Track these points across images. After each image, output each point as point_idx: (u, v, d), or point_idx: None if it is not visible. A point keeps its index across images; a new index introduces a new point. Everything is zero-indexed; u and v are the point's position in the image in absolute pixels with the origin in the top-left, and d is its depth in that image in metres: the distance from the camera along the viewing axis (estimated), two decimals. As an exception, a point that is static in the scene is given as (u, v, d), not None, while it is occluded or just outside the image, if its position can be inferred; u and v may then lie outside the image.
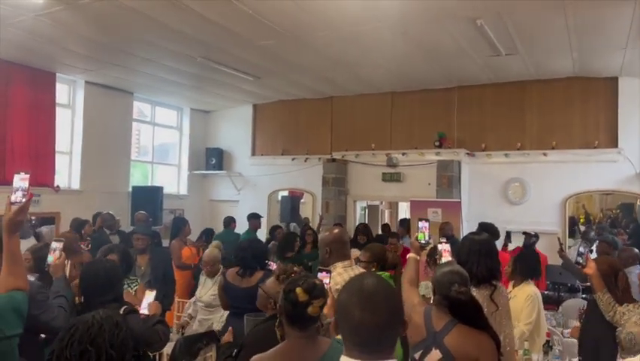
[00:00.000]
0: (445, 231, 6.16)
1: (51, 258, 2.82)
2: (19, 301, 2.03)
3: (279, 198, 10.10)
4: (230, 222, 8.02)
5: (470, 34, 5.75)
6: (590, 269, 2.98)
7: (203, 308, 4.66)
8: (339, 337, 2.26)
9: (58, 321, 2.41)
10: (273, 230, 7.87)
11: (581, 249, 2.88)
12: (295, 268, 2.71)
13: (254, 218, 8.03)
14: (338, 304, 1.45)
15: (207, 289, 4.68)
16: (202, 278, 4.87)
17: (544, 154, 7.78)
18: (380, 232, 8.16)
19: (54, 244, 2.84)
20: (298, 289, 1.96)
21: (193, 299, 4.91)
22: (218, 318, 4.47)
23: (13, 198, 2.06)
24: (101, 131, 8.37)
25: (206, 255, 4.93)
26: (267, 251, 4.64)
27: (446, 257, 3.00)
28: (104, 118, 8.44)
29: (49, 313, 2.39)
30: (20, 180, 2.09)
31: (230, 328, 2.87)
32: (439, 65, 7.18)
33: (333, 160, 8.95)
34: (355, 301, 1.37)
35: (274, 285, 2.60)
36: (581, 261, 2.77)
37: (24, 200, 2.05)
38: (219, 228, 8.15)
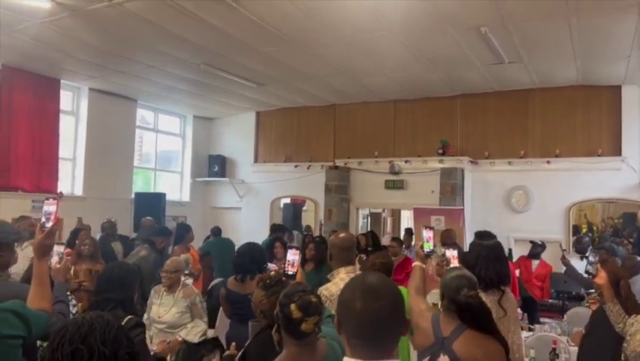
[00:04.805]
0: (447, 239, 5.77)
1: (53, 262, 2.80)
2: (26, 308, 2.01)
3: (282, 205, 10.09)
4: (218, 232, 7.76)
5: (474, 42, 5.77)
6: (601, 279, 2.92)
7: (163, 330, 4.02)
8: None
9: (55, 328, 2.36)
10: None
11: (592, 258, 2.85)
12: (272, 273, 2.64)
13: (279, 230, 7.48)
14: (340, 301, 1.45)
15: (168, 306, 4.04)
16: (155, 294, 4.17)
17: (548, 162, 7.77)
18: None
19: (57, 248, 2.82)
20: (292, 306, 1.94)
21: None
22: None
23: (42, 223, 2.17)
24: (105, 138, 8.40)
25: (170, 261, 4.29)
26: (265, 256, 4.47)
27: (454, 263, 2.98)
28: (108, 125, 8.47)
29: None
30: (48, 205, 2.20)
31: (233, 343, 2.81)
32: (443, 72, 7.19)
33: (336, 167, 8.93)
34: (358, 294, 1.40)
35: (257, 293, 2.53)
36: (591, 270, 2.71)
37: (49, 224, 2.16)
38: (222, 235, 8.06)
